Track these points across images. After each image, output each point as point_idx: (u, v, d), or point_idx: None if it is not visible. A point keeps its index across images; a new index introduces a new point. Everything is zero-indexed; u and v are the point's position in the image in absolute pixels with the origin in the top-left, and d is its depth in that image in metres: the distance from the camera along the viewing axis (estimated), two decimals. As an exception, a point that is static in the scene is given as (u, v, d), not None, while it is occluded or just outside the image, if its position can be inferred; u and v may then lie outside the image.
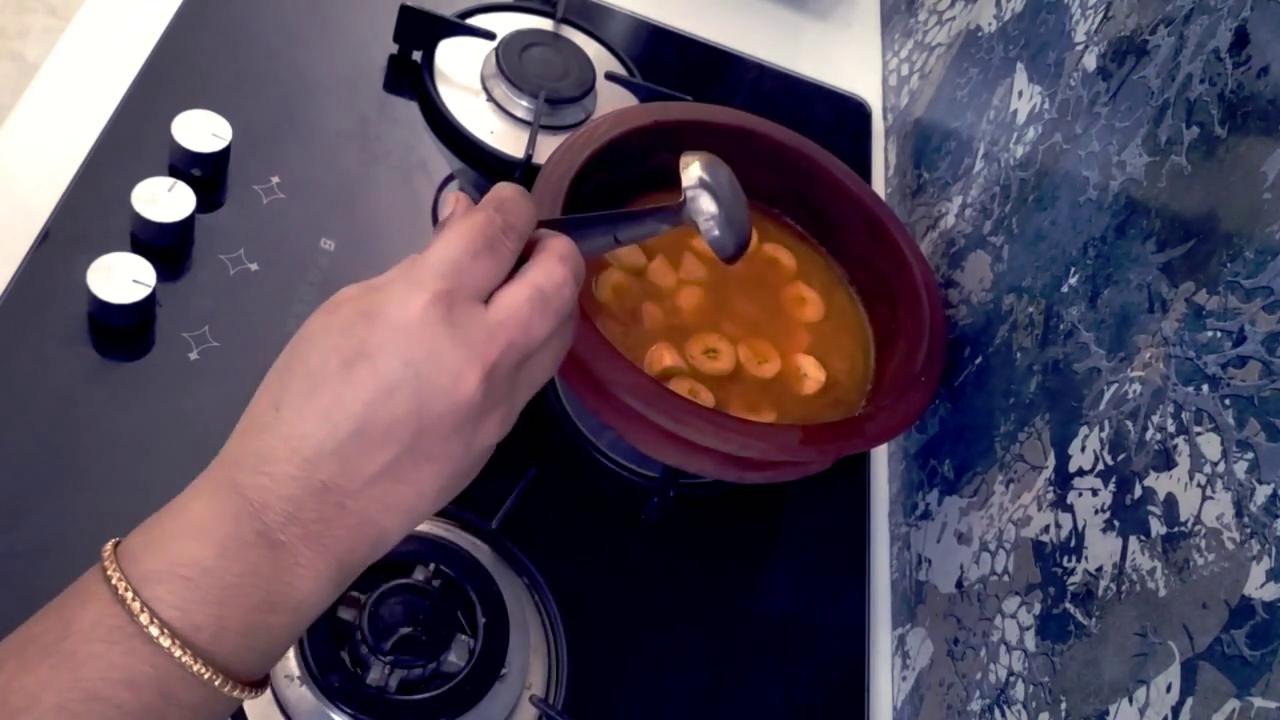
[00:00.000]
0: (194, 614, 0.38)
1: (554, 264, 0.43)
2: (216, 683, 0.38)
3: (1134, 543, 0.54)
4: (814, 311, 0.76)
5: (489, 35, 0.90)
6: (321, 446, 0.39)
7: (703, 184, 0.55)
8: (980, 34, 0.91)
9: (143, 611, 0.37)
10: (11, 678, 0.36)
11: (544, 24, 0.95)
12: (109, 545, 0.39)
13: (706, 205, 0.55)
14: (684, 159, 0.57)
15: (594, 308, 0.69)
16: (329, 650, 0.58)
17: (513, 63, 0.88)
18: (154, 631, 0.37)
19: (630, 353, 0.68)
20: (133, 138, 0.74)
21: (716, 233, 0.55)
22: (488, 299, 0.42)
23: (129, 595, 0.37)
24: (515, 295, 0.42)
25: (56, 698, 0.36)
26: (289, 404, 0.40)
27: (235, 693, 0.39)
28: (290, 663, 0.58)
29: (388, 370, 0.39)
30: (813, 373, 0.72)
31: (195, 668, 0.37)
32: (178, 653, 0.37)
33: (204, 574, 0.38)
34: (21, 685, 0.36)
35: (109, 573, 0.38)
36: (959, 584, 0.69)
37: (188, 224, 0.70)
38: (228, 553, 0.38)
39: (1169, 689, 0.49)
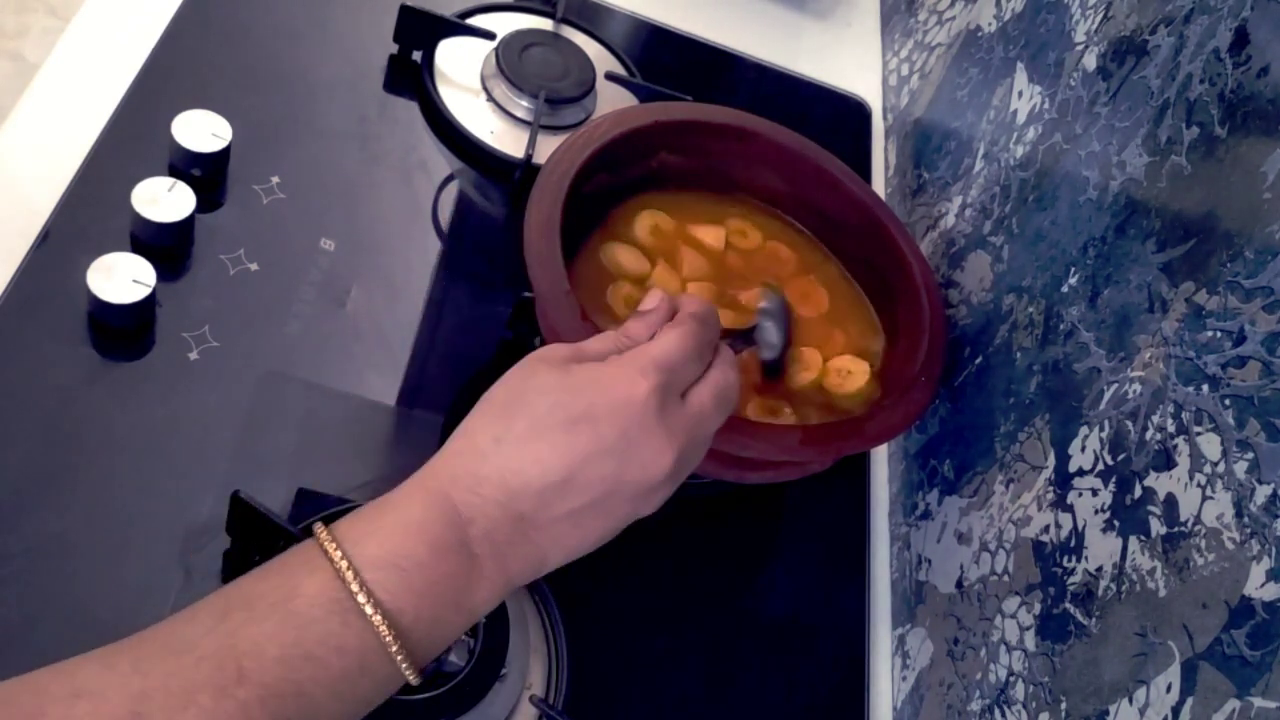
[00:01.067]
0: (400, 600, 0.43)
1: (729, 369, 0.52)
2: (403, 663, 0.43)
3: (1134, 543, 0.54)
4: (819, 305, 0.76)
5: (489, 35, 0.90)
6: (529, 484, 0.46)
7: (770, 314, 0.68)
8: (980, 34, 0.91)
9: (361, 591, 0.42)
10: (240, 626, 0.41)
11: (544, 24, 0.95)
12: (319, 525, 0.45)
13: (772, 337, 0.68)
14: (761, 292, 0.72)
15: (607, 317, 0.69)
16: (329, 650, 0.58)
17: (513, 63, 0.88)
18: (369, 610, 0.42)
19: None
20: (133, 138, 0.74)
21: (773, 356, 0.68)
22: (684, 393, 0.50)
23: (350, 575, 0.43)
24: (705, 394, 0.51)
25: (279, 651, 0.41)
26: (511, 440, 0.46)
27: (410, 674, 0.44)
28: (290, 663, 0.58)
29: (606, 436, 0.46)
30: (857, 369, 0.73)
31: (393, 647, 0.43)
32: (384, 632, 0.43)
33: (417, 567, 0.44)
34: (249, 634, 0.41)
35: (330, 550, 0.43)
36: (959, 584, 0.69)
37: (188, 224, 0.70)
38: (437, 553, 0.44)
39: (1169, 689, 0.49)
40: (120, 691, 0.39)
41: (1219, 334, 0.52)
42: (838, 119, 1.06)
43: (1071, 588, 0.58)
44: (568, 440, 0.46)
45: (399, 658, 0.43)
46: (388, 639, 0.43)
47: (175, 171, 0.73)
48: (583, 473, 0.46)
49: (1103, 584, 0.56)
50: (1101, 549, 0.56)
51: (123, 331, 0.67)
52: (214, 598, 0.43)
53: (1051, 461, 0.63)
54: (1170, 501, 0.52)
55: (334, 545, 0.44)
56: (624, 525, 0.49)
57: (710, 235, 0.76)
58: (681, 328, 0.51)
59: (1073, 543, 0.59)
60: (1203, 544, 0.49)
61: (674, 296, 0.55)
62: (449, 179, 0.85)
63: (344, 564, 0.43)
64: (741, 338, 0.65)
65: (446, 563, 0.45)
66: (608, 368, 0.48)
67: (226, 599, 0.43)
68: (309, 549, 0.44)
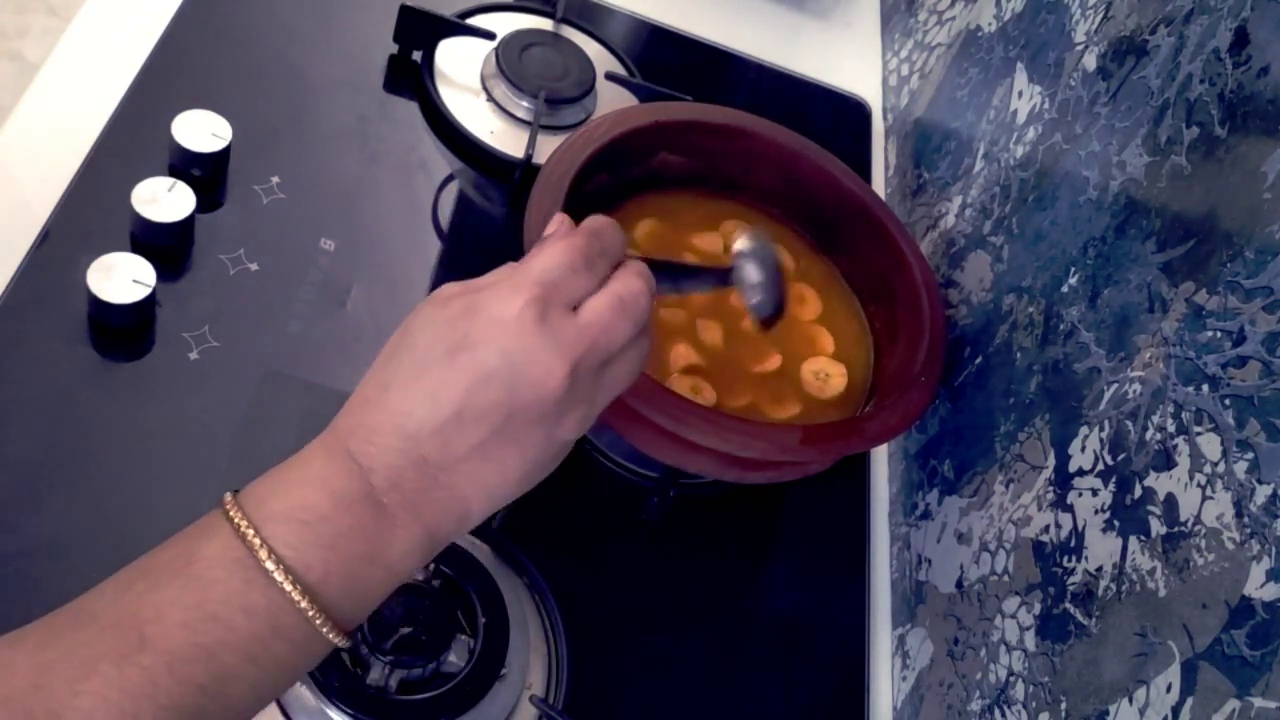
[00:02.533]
0: (306, 554, 0.42)
1: (632, 278, 0.49)
2: (318, 621, 0.42)
3: (1134, 543, 0.54)
4: (811, 310, 0.76)
5: (489, 35, 0.90)
6: (423, 424, 0.44)
7: (750, 254, 0.61)
8: (980, 34, 0.91)
9: (262, 547, 0.41)
10: (141, 594, 0.41)
11: (544, 24, 0.95)
12: (228, 494, 0.44)
13: (751, 273, 0.61)
14: (738, 231, 0.65)
15: None
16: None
17: (513, 63, 0.88)
18: (270, 566, 0.41)
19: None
20: (133, 138, 0.74)
21: (757, 298, 0.62)
22: (576, 307, 0.47)
23: (250, 532, 0.42)
24: (600, 302, 0.47)
25: (182, 614, 0.40)
26: (396, 384, 0.45)
27: (331, 635, 0.43)
28: (290, 663, 0.58)
29: (486, 360, 0.44)
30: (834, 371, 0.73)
31: (302, 604, 0.42)
32: (289, 587, 0.41)
33: (320, 519, 0.43)
34: (151, 601, 0.40)
35: (231, 513, 0.42)
36: (959, 584, 0.69)
37: (188, 224, 0.70)
38: (340, 504, 0.43)
39: (1169, 689, 0.49)
40: (24, 664, 0.39)
41: (1219, 334, 0.52)
42: (838, 119, 1.06)
43: (1071, 588, 0.58)
44: (450, 373, 0.44)
45: (312, 615, 0.42)
46: (295, 596, 0.41)
47: (175, 171, 0.73)
48: (472, 402, 0.44)
49: (1103, 584, 0.56)
50: (1101, 549, 0.56)
51: (123, 331, 0.67)
52: (120, 573, 0.42)
53: (1051, 461, 0.63)
54: (1170, 501, 0.52)
55: (234, 506, 0.43)
56: (549, 455, 0.47)
57: (708, 242, 0.77)
58: (562, 240, 0.48)
59: (1073, 543, 0.59)
60: (1203, 544, 0.49)
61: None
62: (449, 179, 0.85)
63: (242, 522, 0.42)
64: (714, 277, 0.63)
65: (351, 514, 0.43)
66: (482, 293, 0.46)
67: (130, 571, 0.42)
68: (212, 515, 0.43)
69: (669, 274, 0.58)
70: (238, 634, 0.41)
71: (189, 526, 0.44)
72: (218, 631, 0.40)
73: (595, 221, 0.51)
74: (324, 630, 0.42)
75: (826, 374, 0.72)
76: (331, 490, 0.43)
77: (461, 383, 0.44)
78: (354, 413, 0.46)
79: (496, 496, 0.47)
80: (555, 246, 0.48)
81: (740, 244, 0.63)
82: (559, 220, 0.51)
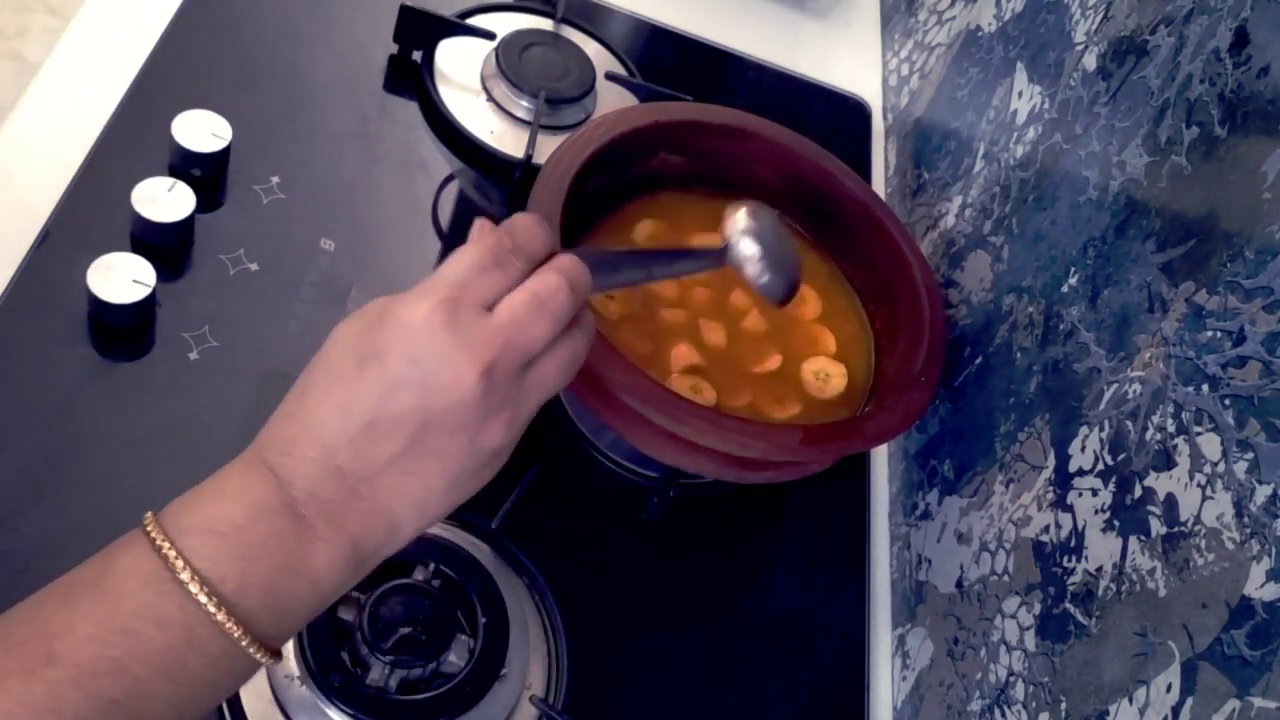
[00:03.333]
0: (222, 566, 0.41)
1: (551, 275, 0.47)
2: (236, 634, 0.41)
3: (1134, 543, 0.54)
4: (812, 310, 0.76)
5: (489, 35, 0.90)
6: (337, 435, 0.43)
7: (747, 230, 0.57)
8: (980, 34, 0.91)
9: (177, 559, 0.41)
10: (54, 611, 0.40)
11: (544, 24, 0.95)
12: (149, 512, 0.43)
13: (749, 249, 0.56)
14: (729, 208, 0.59)
15: (607, 324, 0.69)
16: (329, 650, 0.58)
17: (513, 63, 0.88)
18: (185, 577, 0.41)
19: (649, 349, 0.68)
20: (133, 138, 0.74)
21: (765, 278, 0.57)
22: (493, 307, 0.46)
23: (165, 545, 0.41)
24: (514, 300, 0.46)
25: (91, 629, 0.39)
26: (311, 397, 0.45)
27: (252, 650, 0.42)
28: (290, 663, 0.58)
29: (394, 368, 0.43)
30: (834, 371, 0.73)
31: (218, 616, 0.41)
32: (203, 599, 0.40)
33: (234, 530, 0.42)
34: (61, 616, 0.40)
35: (148, 527, 0.42)
36: (959, 584, 0.69)
37: (188, 224, 0.70)
38: (256, 515, 0.42)
39: (1169, 689, 0.49)
40: None
41: (1219, 334, 0.52)
42: (838, 119, 1.06)
43: (1071, 588, 0.58)
44: (359, 383, 0.43)
45: (229, 627, 0.41)
46: (210, 608, 0.40)
47: (175, 171, 0.73)
48: (384, 411, 0.43)
49: (1103, 584, 0.56)
50: (1101, 549, 0.56)
51: (123, 331, 0.67)
52: (38, 592, 0.42)
53: (1051, 461, 0.63)
54: (1170, 501, 0.52)
55: (151, 521, 0.42)
56: (475, 464, 0.46)
57: (709, 242, 0.77)
58: (474, 241, 0.47)
59: (1073, 543, 0.59)
60: (1203, 544, 0.49)
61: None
62: (449, 179, 0.85)
63: (158, 535, 0.41)
64: (704, 258, 0.58)
65: (268, 524, 0.42)
66: (392, 301, 0.45)
67: (46, 590, 0.42)
68: (132, 533, 0.43)
69: (637, 260, 0.55)
70: (150, 647, 0.40)
71: (110, 545, 0.43)
72: (129, 644, 0.40)
73: (513, 219, 0.49)
74: (244, 644, 0.41)
75: (827, 374, 0.72)
76: (246, 501, 0.43)
77: (372, 392, 0.43)
78: (273, 426, 0.45)
79: (425, 507, 0.45)
80: (465, 249, 0.47)
81: (736, 220, 0.58)
82: (478, 225, 0.49)
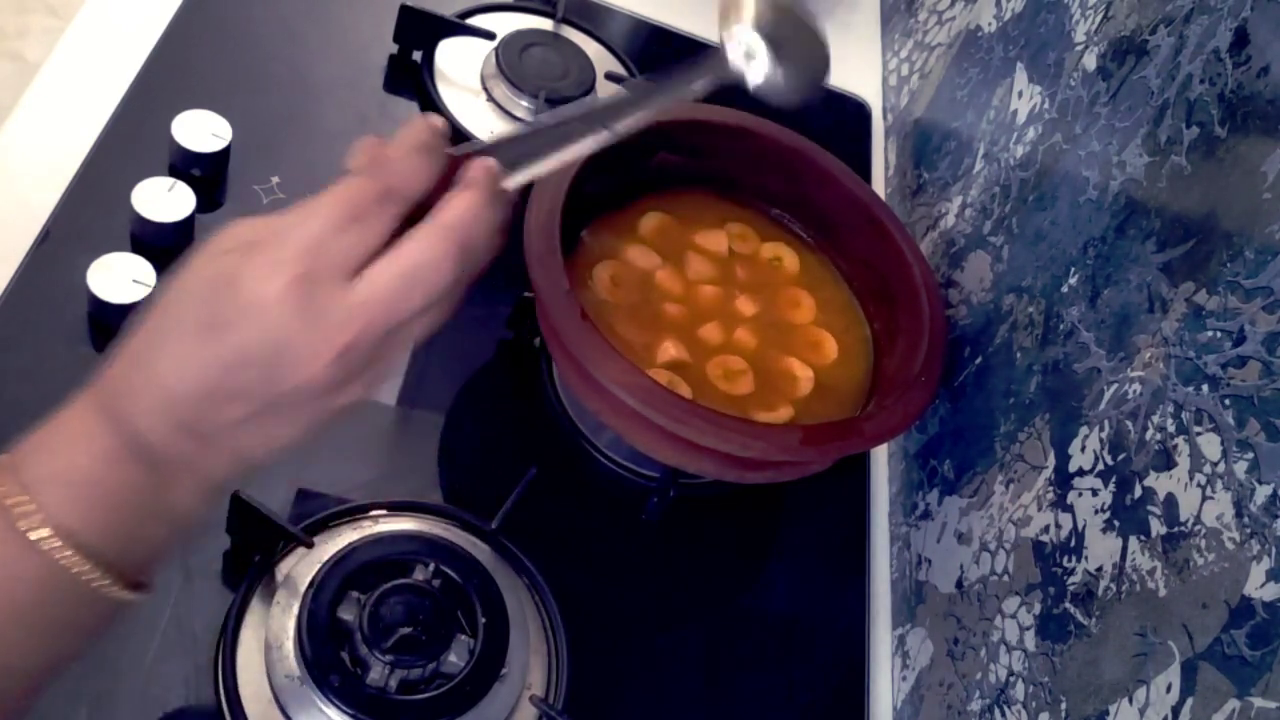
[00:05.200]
0: (80, 517, 0.41)
1: (436, 239, 0.42)
2: (104, 584, 0.41)
3: (1134, 543, 0.54)
4: (810, 312, 0.76)
5: (489, 35, 0.90)
6: (180, 393, 0.41)
7: (745, 20, 0.48)
8: (980, 34, 0.91)
9: (37, 512, 0.40)
10: None
11: (544, 24, 0.95)
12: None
13: (750, 41, 0.45)
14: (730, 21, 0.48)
15: (596, 305, 0.69)
16: (329, 650, 0.58)
17: (513, 63, 0.88)
18: (45, 532, 0.40)
19: (639, 338, 0.68)
20: (133, 138, 0.74)
21: (781, 75, 0.45)
22: (361, 268, 0.41)
23: (21, 498, 0.40)
24: (381, 274, 0.41)
25: None
26: (156, 346, 0.42)
27: (118, 591, 0.42)
28: (290, 663, 0.58)
29: (240, 345, 0.40)
30: (801, 374, 0.72)
31: (83, 569, 0.40)
32: (68, 553, 0.40)
33: (91, 482, 0.41)
34: None
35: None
36: (959, 584, 0.69)
37: (188, 224, 0.70)
38: (110, 465, 0.41)
39: (1169, 689, 0.49)
40: None
41: (1219, 334, 0.52)
42: (838, 119, 1.06)
43: (1071, 588, 0.58)
44: (199, 351, 0.41)
45: (92, 577, 0.41)
46: (72, 559, 0.40)
47: (175, 171, 0.73)
48: (226, 384, 0.41)
49: (1103, 584, 0.56)
50: (1101, 549, 0.56)
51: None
52: None
53: (1051, 461, 0.63)
54: (1170, 501, 0.52)
55: (2, 477, 0.41)
56: (330, 417, 0.43)
57: (713, 241, 0.77)
58: (333, 192, 0.42)
59: (1073, 543, 0.59)
60: (1203, 544, 0.49)
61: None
62: (449, 179, 0.85)
63: (10, 488, 0.40)
64: (688, 80, 0.47)
65: (122, 473, 0.41)
66: (245, 263, 0.41)
67: None
68: None
69: (583, 122, 0.46)
70: (14, 602, 0.40)
71: None
72: None
73: (387, 148, 0.43)
74: (110, 589, 0.41)
75: (794, 376, 0.72)
76: (101, 450, 0.41)
77: (213, 364, 0.41)
78: (119, 365, 0.43)
79: (281, 447, 0.44)
80: (319, 202, 0.41)
81: (737, 24, 0.44)
82: (351, 156, 0.43)
